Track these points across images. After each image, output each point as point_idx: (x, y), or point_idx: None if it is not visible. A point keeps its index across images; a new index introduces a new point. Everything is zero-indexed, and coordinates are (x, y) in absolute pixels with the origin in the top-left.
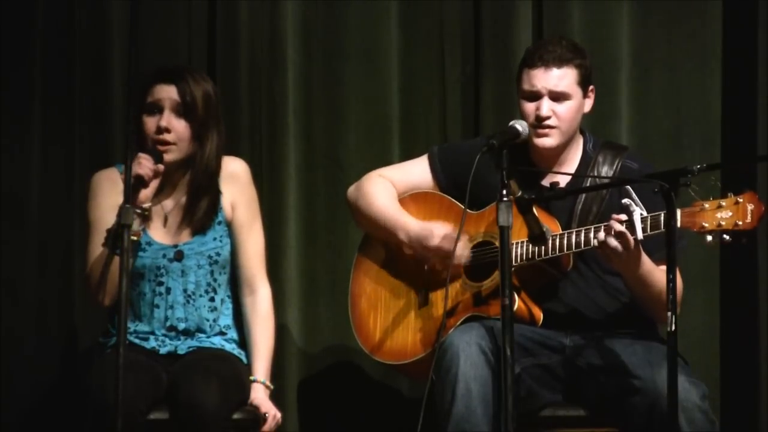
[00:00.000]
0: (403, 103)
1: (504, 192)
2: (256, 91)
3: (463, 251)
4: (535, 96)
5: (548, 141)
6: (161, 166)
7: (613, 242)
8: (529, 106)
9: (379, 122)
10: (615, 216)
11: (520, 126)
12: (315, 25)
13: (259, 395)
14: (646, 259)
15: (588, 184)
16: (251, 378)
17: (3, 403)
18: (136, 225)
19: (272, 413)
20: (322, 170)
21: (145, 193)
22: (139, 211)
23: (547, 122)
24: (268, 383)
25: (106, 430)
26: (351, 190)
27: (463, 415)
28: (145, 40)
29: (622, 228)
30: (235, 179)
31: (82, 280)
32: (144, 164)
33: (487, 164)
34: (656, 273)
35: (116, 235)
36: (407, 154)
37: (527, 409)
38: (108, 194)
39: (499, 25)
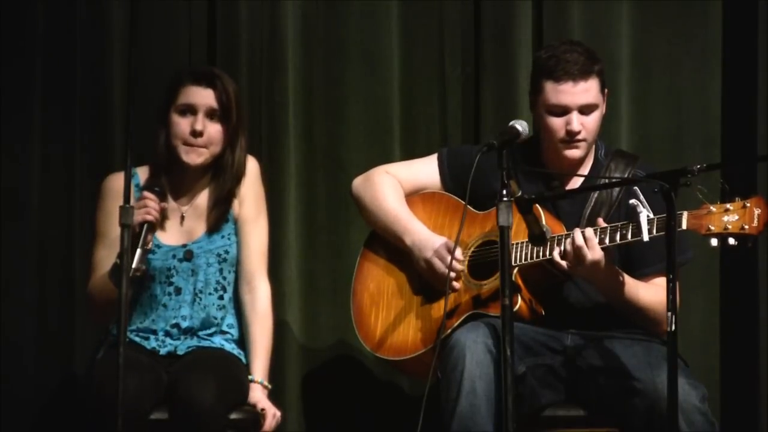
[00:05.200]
0: (403, 103)
1: (504, 192)
2: (256, 91)
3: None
4: (564, 111)
5: (578, 153)
6: (165, 204)
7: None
8: (557, 122)
9: (379, 122)
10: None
11: (520, 126)
12: (315, 25)
13: (257, 395)
14: (627, 279)
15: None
16: (249, 377)
17: (3, 403)
18: (137, 261)
19: (272, 412)
20: (322, 170)
21: (152, 234)
22: (145, 249)
23: (578, 136)
24: (266, 383)
25: (111, 429)
26: (357, 182)
27: (468, 413)
28: (145, 40)
29: (580, 242)
30: (246, 176)
31: (83, 284)
32: (151, 208)
33: (492, 166)
34: (640, 288)
35: (120, 271)
36: (407, 154)
37: (531, 409)
38: (116, 201)
39: (499, 25)
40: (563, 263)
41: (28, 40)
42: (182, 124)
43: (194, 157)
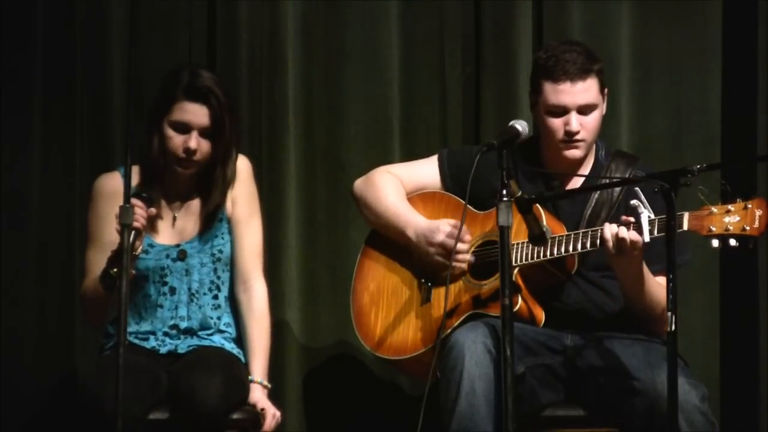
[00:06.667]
0: (403, 103)
1: (504, 192)
2: (256, 91)
3: (465, 254)
4: (563, 111)
5: (578, 153)
6: (153, 210)
7: (626, 236)
8: (556, 122)
9: (379, 122)
10: (624, 217)
11: (520, 126)
12: (315, 25)
13: (257, 395)
14: (645, 269)
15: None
16: (249, 378)
17: (3, 404)
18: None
19: (271, 412)
20: (322, 170)
21: (140, 241)
22: (132, 255)
23: (577, 136)
24: (265, 383)
25: None
26: (358, 183)
27: (467, 413)
28: (145, 40)
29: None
30: (237, 176)
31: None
32: (138, 215)
33: (492, 166)
34: (653, 284)
35: (109, 276)
36: (407, 154)
37: (531, 409)
38: (108, 203)
39: (499, 25)
40: (610, 245)
41: (28, 39)
42: (176, 140)
43: (186, 170)
